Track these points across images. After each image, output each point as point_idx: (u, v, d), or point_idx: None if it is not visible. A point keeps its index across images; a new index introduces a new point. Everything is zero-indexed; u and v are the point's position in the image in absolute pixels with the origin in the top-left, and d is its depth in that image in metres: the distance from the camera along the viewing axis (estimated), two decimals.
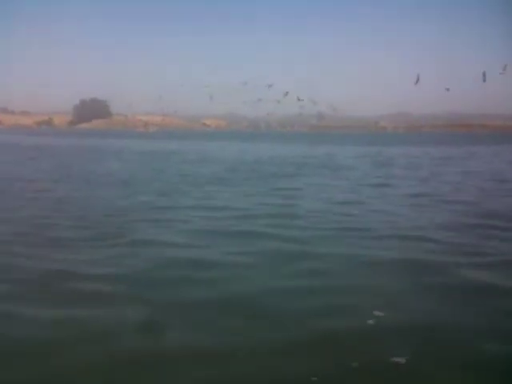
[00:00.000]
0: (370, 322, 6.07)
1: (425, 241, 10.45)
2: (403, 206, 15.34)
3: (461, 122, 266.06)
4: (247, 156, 41.20)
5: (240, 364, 5.11)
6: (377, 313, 6.31)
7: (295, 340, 5.65)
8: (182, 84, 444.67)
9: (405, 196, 17.49)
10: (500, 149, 57.66)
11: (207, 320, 6.22)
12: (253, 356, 5.28)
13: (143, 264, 8.53)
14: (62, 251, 9.25)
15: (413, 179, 23.11)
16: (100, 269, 8.16)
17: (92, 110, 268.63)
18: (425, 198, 16.71)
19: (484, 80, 31.53)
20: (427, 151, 51.52)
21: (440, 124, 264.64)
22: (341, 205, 15.28)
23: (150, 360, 5.13)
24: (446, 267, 8.52)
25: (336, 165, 31.94)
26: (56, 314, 6.32)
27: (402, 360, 5.13)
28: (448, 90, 61.97)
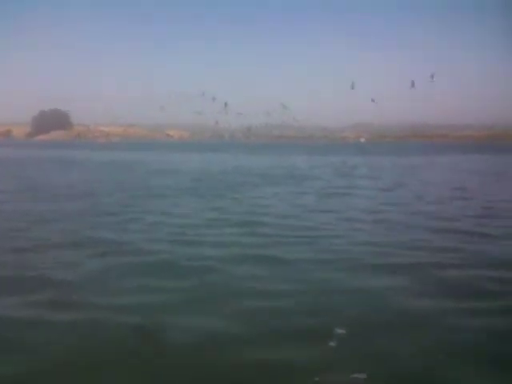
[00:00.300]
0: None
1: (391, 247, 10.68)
2: (364, 213, 15.52)
3: (423, 132, 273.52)
4: (212, 166, 40.92)
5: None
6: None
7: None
8: (144, 94, 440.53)
9: (367, 203, 17.73)
10: (458, 158, 59.62)
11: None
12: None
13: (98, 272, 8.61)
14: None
15: (375, 188, 23.48)
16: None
17: (52, 120, 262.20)
18: (389, 207, 16.99)
19: (412, 86, 32.31)
20: (390, 161, 52.65)
21: (402, 134, 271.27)
22: (307, 212, 15.38)
23: None
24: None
25: (301, 175, 32.10)
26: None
27: None
28: (373, 101, 64.64)
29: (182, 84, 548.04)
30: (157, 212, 15.49)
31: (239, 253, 10.11)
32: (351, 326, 6.30)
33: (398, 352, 5.67)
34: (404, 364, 5.43)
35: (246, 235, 11.93)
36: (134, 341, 5.91)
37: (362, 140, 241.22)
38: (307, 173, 34.28)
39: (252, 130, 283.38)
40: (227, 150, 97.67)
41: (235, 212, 15.55)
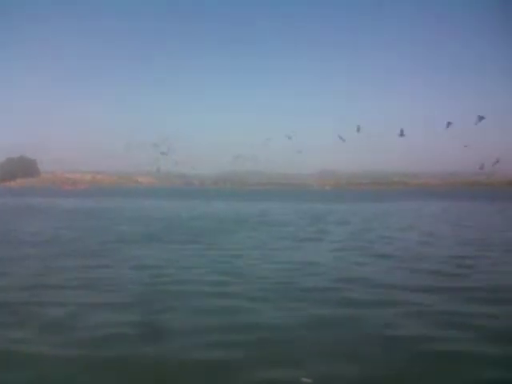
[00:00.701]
0: None
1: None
2: (335, 258, 15.43)
3: (385, 179, 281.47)
4: (182, 213, 40.44)
5: None
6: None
7: None
8: (112, 142, 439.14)
9: (335, 249, 17.67)
10: (417, 205, 61.04)
11: None
12: None
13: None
14: None
15: (343, 233, 23.56)
16: None
17: (19, 167, 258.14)
18: (356, 252, 16.96)
19: (401, 135, 33.38)
20: (355, 208, 53.34)
21: (365, 182, 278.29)
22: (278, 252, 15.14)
23: None
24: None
25: (272, 221, 32.04)
26: None
27: None
28: (343, 139, 67.63)
29: (150, 131, 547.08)
30: (123, 259, 14.96)
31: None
32: None
33: None
34: None
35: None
36: None
37: (327, 188, 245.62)
38: (278, 218, 34.22)
39: (221, 176, 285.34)
40: (197, 196, 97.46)
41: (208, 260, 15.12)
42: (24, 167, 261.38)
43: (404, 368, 6.59)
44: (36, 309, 9.15)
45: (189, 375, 6.37)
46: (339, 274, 12.79)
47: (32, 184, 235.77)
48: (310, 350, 7.24)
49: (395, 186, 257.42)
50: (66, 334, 7.83)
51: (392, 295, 10.42)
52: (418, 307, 9.47)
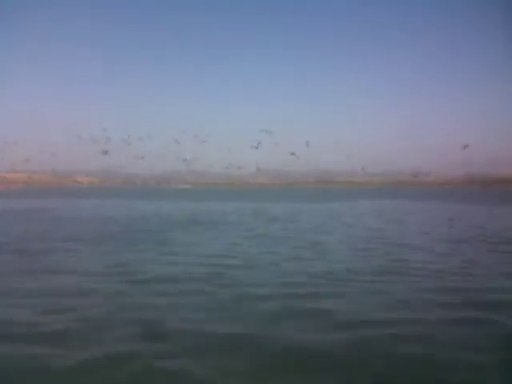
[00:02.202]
0: None
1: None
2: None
3: (329, 178, 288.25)
4: (118, 214, 38.69)
5: None
6: None
7: None
8: (49, 138, 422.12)
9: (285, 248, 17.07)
10: (356, 204, 62.41)
11: None
12: None
13: None
14: None
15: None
16: None
17: None
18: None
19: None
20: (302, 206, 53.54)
21: (310, 181, 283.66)
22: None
23: None
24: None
25: (222, 220, 31.18)
26: None
27: None
28: (294, 154, 70.20)
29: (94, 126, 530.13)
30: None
31: None
32: None
33: None
34: None
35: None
36: None
37: (275, 186, 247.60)
38: (225, 218, 33.40)
39: (164, 176, 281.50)
40: (140, 196, 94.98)
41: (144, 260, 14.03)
42: None
43: None
44: None
45: None
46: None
47: None
48: None
49: (339, 185, 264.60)
50: None
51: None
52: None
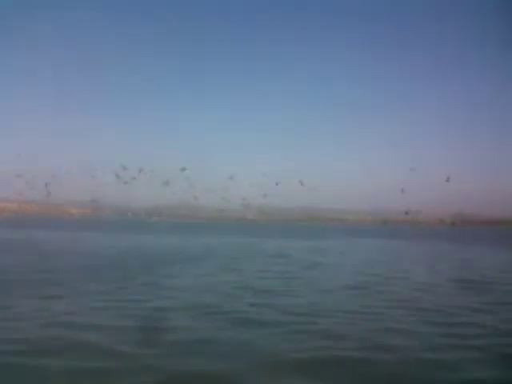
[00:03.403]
0: None
1: None
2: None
3: (318, 215, 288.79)
4: (108, 249, 39.18)
5: None
6: None
7: None
8: (40, 168, 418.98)
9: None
10: (347, 242, 62.98)
11: None
12: None
13: None
14: None
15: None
16: None
17: None
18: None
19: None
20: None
21: (294, 218, 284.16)
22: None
23: None
24: None
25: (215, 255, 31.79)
26: None
27: None
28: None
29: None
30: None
31: None
32: None
33: None
34: None
35: None
36: None
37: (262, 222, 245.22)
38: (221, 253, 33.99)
39: (157, 209, 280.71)
40: (129, 229, 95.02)
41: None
42: None
43: None
44: None
45: None
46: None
47: None
48: None
49: (331, 223, 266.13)
50: None
51: None
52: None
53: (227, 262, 28.20)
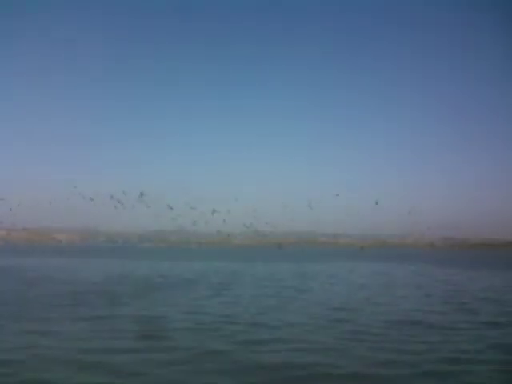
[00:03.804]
0: None
1: None
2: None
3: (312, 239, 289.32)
4: (94, 275, 38.64)
5: None
6: None
7: None
8: (30, 195, 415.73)
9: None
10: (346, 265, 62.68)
11: None
12: None
13: None
14: None
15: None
16: None
17: None
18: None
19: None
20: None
21: (292, 241, 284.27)
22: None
23: None
24: None
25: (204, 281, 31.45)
26: None
27: None
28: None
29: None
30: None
31: None
32: None
33: None
34: None
35: None
36: None
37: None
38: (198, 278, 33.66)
39: (146, 235, 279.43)
40: (120, 255, 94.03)
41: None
42: None
43: None
44: None
45: None
46: None
47: None
48: None
49: (326, 246, 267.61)
50: None
51: None
52: None
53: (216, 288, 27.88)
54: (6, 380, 9.30)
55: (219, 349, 11.98)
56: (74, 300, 20.99)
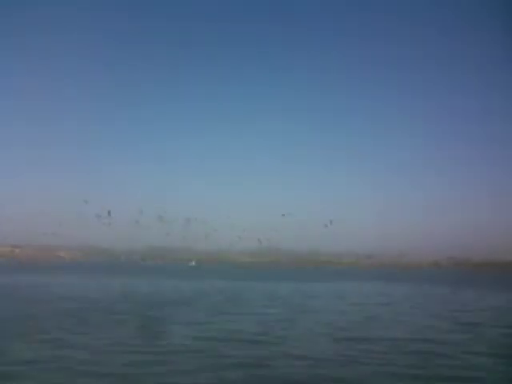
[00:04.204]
0: None
1: None
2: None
3: (309, 258, 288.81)
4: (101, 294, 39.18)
5: None
6: None
7: None
8: (33, 212, 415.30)
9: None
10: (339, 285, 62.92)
11: None
12: None
13: None
14: None
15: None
16: None
17: None
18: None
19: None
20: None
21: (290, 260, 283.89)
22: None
23: None
24: None
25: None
26: None
27: None
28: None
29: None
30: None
31: None
32: None
33: None
34: None
35: None
36: None
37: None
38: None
39: (150, 252, 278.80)
40: (122, 272, 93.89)
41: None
42: None
43: None
44: None
45: None
46: None
47: None
48: None
49: (321, 264, 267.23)
50: None
51: None
52: None
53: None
54: None
55: None
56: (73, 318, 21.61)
